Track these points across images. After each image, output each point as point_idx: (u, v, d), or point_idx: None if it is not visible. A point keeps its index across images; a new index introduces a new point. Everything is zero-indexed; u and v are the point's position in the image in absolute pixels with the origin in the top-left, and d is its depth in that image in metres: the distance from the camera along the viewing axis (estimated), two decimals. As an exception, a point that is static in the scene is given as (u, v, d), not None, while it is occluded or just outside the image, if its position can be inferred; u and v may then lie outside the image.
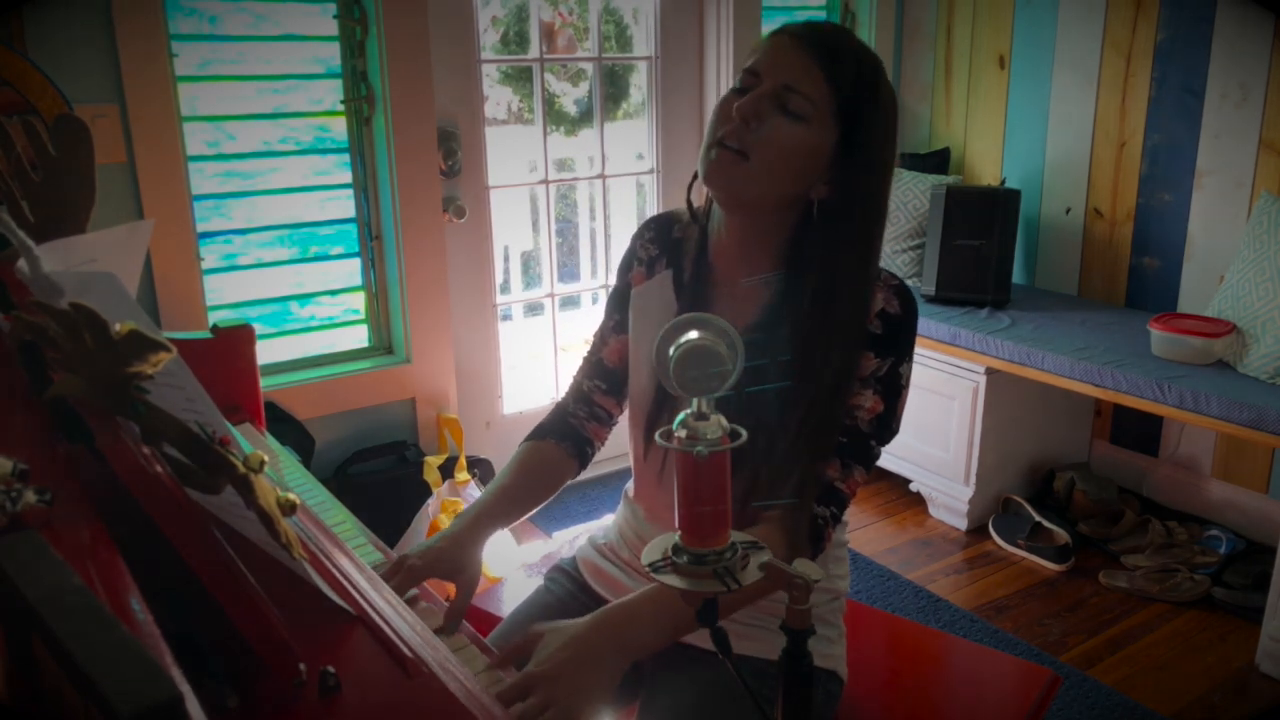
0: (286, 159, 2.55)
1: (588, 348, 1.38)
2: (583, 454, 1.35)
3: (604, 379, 1.34)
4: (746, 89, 1.10)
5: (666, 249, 1.28)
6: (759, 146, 1.08)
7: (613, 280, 1.39)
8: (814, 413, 1.09)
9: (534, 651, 0.99)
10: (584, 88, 3.11)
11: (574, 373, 1.39)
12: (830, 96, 1.07)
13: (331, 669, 0.75)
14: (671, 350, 0.72)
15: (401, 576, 1.12)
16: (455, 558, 1.17)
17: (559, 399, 1.40)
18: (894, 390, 1.13)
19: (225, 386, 1.62)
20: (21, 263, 0.95)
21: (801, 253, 1.14)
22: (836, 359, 1.10)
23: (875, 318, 1.12)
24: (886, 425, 1.14)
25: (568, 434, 1.34)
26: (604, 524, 1.44)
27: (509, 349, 3.07)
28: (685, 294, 1.23)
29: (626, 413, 1.34)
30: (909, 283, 3.11)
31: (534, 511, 1.31)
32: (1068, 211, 3.10)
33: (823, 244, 1.11)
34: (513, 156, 3.00)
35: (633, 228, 1.37)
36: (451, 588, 1.18)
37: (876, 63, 1.11)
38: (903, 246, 3.14)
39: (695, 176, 1.18)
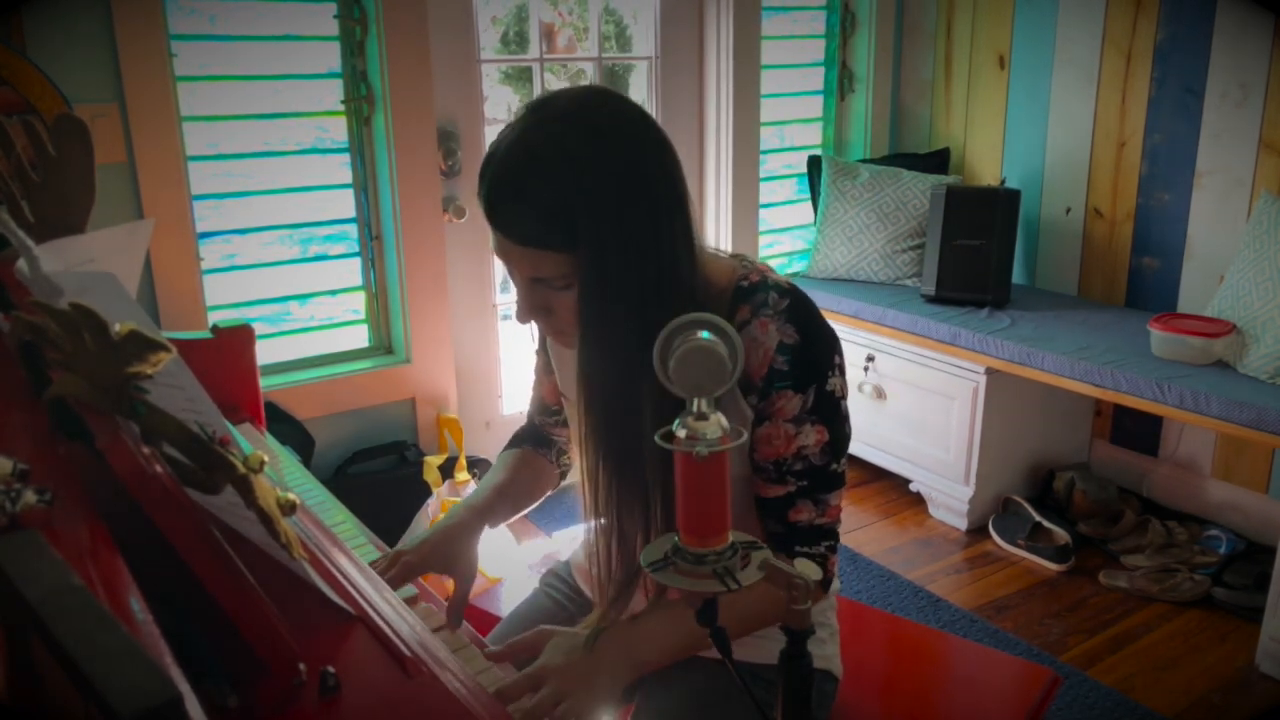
0: (286, 159, 2.55)
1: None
2: (562, 465, 1.38)
3: (549, 415, 1.37)
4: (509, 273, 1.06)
5: None
6: (567, 324, 1.06)
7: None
8: None
9: (542, 650, 1.00)
10: (584, 88, 3.11)
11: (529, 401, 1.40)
12: (569, 258, 0.99)
13: (331, 669, 0.76)
14: (671, 350, 0.72)
15: (397, 572, 1.12)
16: (450, 550, 1.17)
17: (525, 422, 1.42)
18: (831, 411, 1.08)
19: (225, 386, 1.62)
20: (21, 263, 0.95)
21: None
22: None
23: (774, 353, 1.04)
24: (839, 442, 1.10)
25: (545, 442, 1.37)
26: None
27: (509, 349, 3.07)
28: None
29: None
30: (908, 283, 3.12)
31: (520, 515, 1.33)
32: (1068, 211, 3.10)
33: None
34: (513, 156, 2.99)
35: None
36: (449, 584, 1.18)
37: (577, 176, 0.97)
38: (903, 246, 3.14)
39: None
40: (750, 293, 1.06)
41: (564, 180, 0.97)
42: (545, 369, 1.34)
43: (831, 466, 1.09)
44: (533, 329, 1.28)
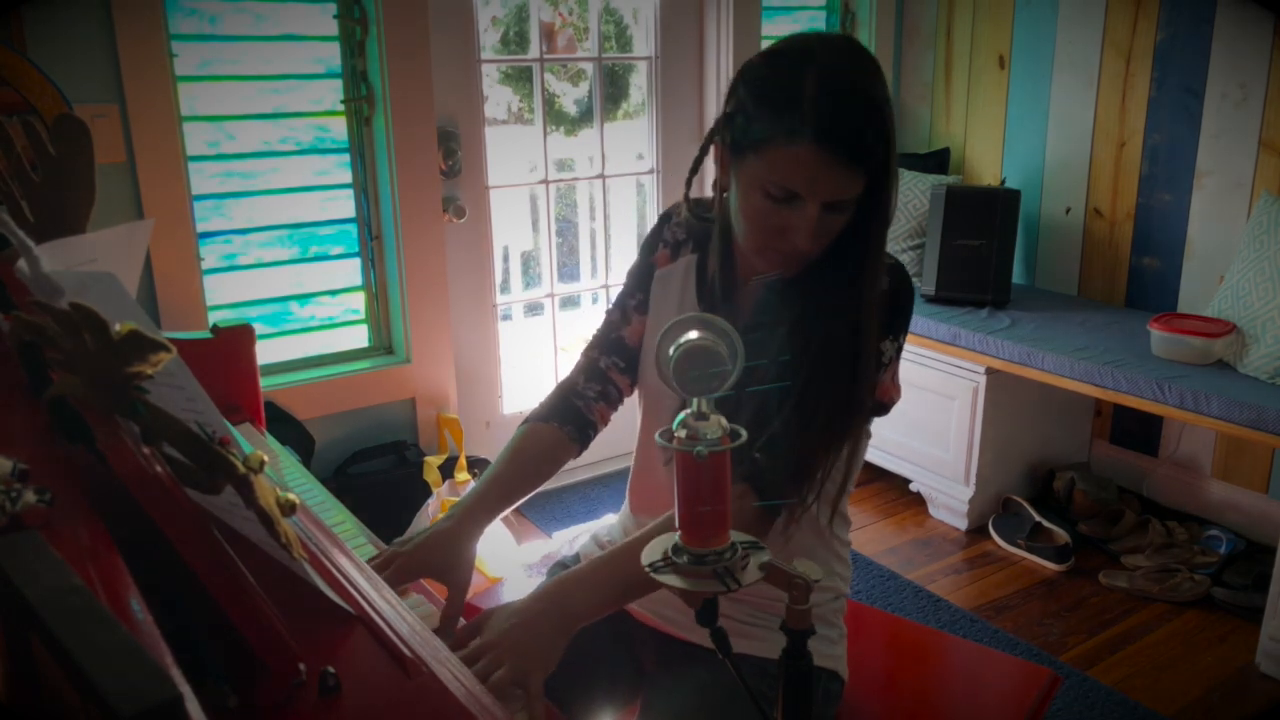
0: (286, 159, 2.55)
1: (598, 329, 1.36)
2: (584, 436, 1.32)
3: (622, 356, 1.32)
4: (782, 200, 1.05)
5: (694, 233, 1.28)
6: (815, 246, 1.09)
7: (612, 280, 1.39)
8: (838, 397, 1.10)
9: (485, 628, 1.01)
10: (584, 88, 3.11)
11: (585, 348, 1.36)
12: (864, 180, 1.05)
13: (331, 669, 0.75)
14: (671, 350, 0.72)
15: (390, 574, 1.12)
16: (446, 556, 1.15)
17: (564, 378, 1.36)
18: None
19: (225, 386, 1.62)
20: (21, 263, 0.95)
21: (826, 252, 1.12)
22: (853, 344, 1.10)
23: None
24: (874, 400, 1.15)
25: (570, 416, 1.31)
26: (606, 523, 1.44)
27: (509, 349, 3.07)
28: (707, 283, 1.23)
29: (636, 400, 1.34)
30: (909, 283, 3.12)
31: (530, 495, 1.29)
32: (1068, 211, 3.10)
33: (848, 243, 1.11)
34: (513, 156, 3.00)
35: (633, 228, 1.37)
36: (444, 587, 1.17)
37: (888, 99, 1.06)
38: (903, 246, 3.14)
39: (693, 171, 1.19)
40: None
41: (887, 103, 1.05)
42: (639, 307, 1.31)
43: None
44: (634, 265, 1.32)
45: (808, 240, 1.06)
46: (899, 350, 1.17)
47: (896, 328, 1.16)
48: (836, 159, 1.01)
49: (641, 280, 1.31)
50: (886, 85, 1.06)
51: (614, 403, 1.34)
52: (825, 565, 1.28)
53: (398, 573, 1.12)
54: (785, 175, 1.03)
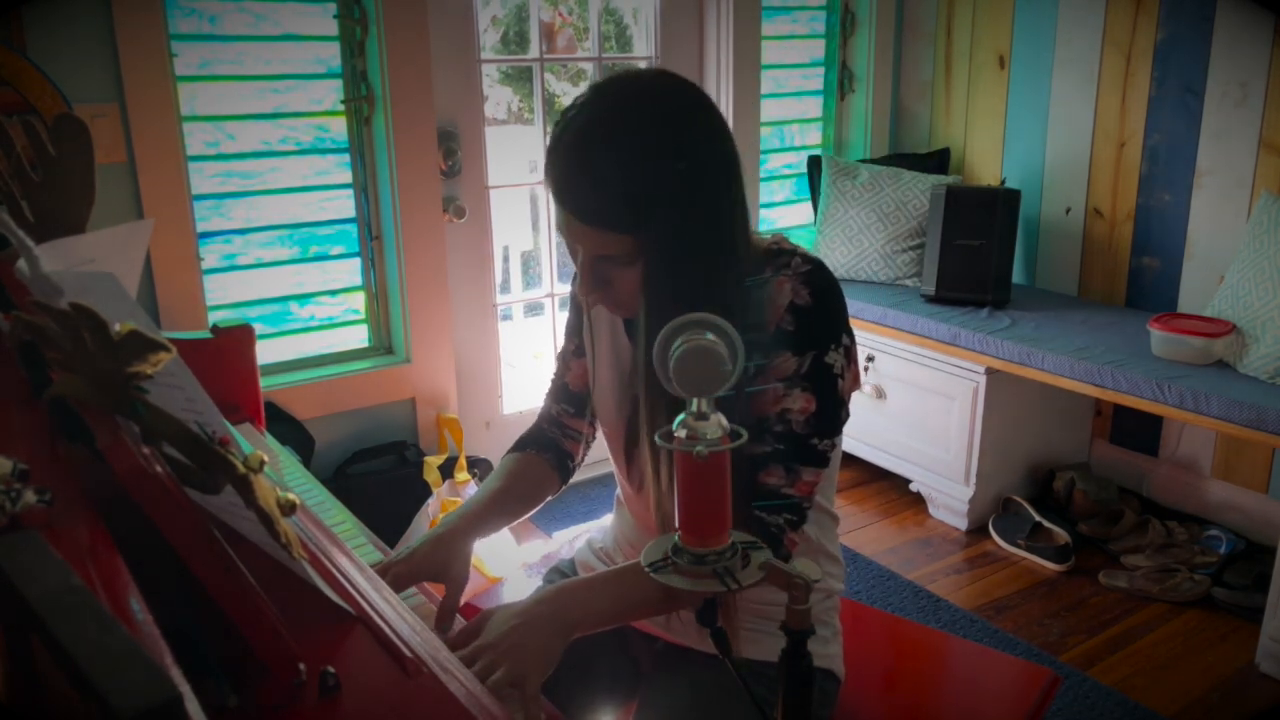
0: (286, 159, 2.55)
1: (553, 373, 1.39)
2: (564, 467, 1.36)
3: (570, 403, 1.34)
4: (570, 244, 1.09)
5: None
6: (628, 297, 1.08)
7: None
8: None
9: (485, 629, 1.01)
10: (584, 88, 3.12)
11: (546, 392, 1.39)
12: (634, 238, 1.02)
13: (331, 669, 0.75)
14: (671, 350, 0.72)
15: (388, 583, 1.12)
16: (441, 558, 1.16)
17: (538, 412, 1.40)
18: (825, 383, 1.08)
19: (225, 386, 1.62)
20: (21, 263, 0.95)
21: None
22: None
23: (785, 312, 1.07)
24: (828, 418, 1.09)
25: (548, 446, 1.35)
26: (603, 525, 1.44)
27: (509, 349, 3.07)
28: (629, 320, 1.21)
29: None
30: (908, 283, 3.12)
31: (518, 522, 1.31)
32: (1068, 211, 3.10)
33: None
34: (513, 156, 3.00)
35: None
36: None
37: (661, 158, 1.00)
38: (903, 246, 3.14)
39: None
40: (778, 255, 1.11)
41: (635, 164, 1.00)
42: (577, 353, 1.32)
43: (812, 440, 1.08)
44: (567, 314, 1.30)
45: (584, 286, 1.08)
46: (848, 352, 1.11)
47: (836, 333, 1.09)
48: (576, 218, 1.03)
49: (575, 325, 1.32)
50: (672, 140, 1.01)
51: (579, 441, 1.37)
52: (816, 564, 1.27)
53: (395, 579, 1.12)
54: (557, 222, 1.08)
